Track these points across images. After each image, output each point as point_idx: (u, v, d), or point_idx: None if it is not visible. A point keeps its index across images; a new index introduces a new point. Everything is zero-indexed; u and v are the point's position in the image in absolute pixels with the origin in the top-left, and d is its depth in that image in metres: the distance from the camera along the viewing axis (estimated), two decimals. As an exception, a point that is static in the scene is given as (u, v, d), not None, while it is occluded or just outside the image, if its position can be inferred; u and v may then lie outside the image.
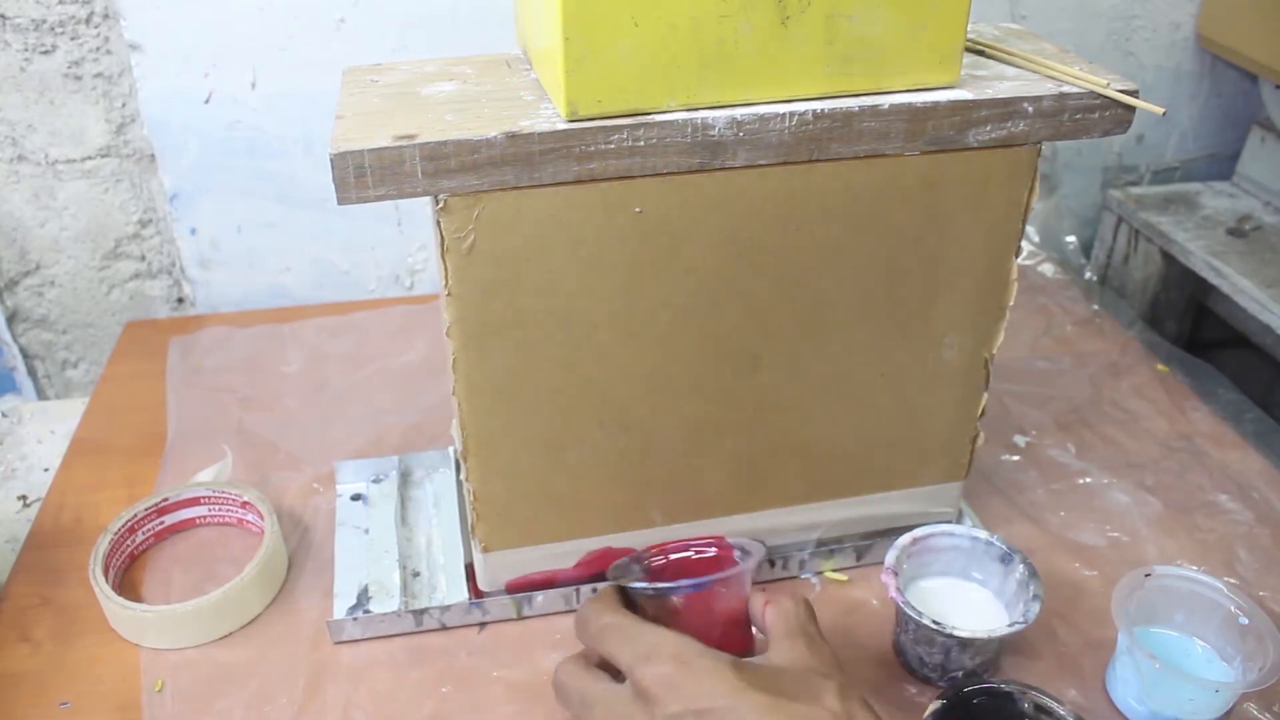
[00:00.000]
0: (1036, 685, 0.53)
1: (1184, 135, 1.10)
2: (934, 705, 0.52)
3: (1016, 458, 0.78)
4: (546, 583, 0.63)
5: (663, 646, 0.46)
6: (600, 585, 0.61)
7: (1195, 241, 0.95)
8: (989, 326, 0.60)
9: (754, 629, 0.54)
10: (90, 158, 0.91)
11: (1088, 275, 1.08)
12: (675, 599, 0.53)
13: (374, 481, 0.73)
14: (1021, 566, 0.59)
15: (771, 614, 0.51)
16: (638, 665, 0.46)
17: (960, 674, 0.58)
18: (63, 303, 0.97)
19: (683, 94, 0.48)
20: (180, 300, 1.00)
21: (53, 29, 0.84)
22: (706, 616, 0.53)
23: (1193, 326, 1.05)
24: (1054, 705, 0.52)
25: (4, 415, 0.88)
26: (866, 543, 0.67)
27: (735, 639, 0.54)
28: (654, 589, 0.53)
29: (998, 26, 0.61)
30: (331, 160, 0.46)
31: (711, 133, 0.49)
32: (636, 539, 0.63)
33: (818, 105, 0.50)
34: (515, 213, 0.50)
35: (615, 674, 0.50)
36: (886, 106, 0.50)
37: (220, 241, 0.95)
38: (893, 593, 0.57)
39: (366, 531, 0.69)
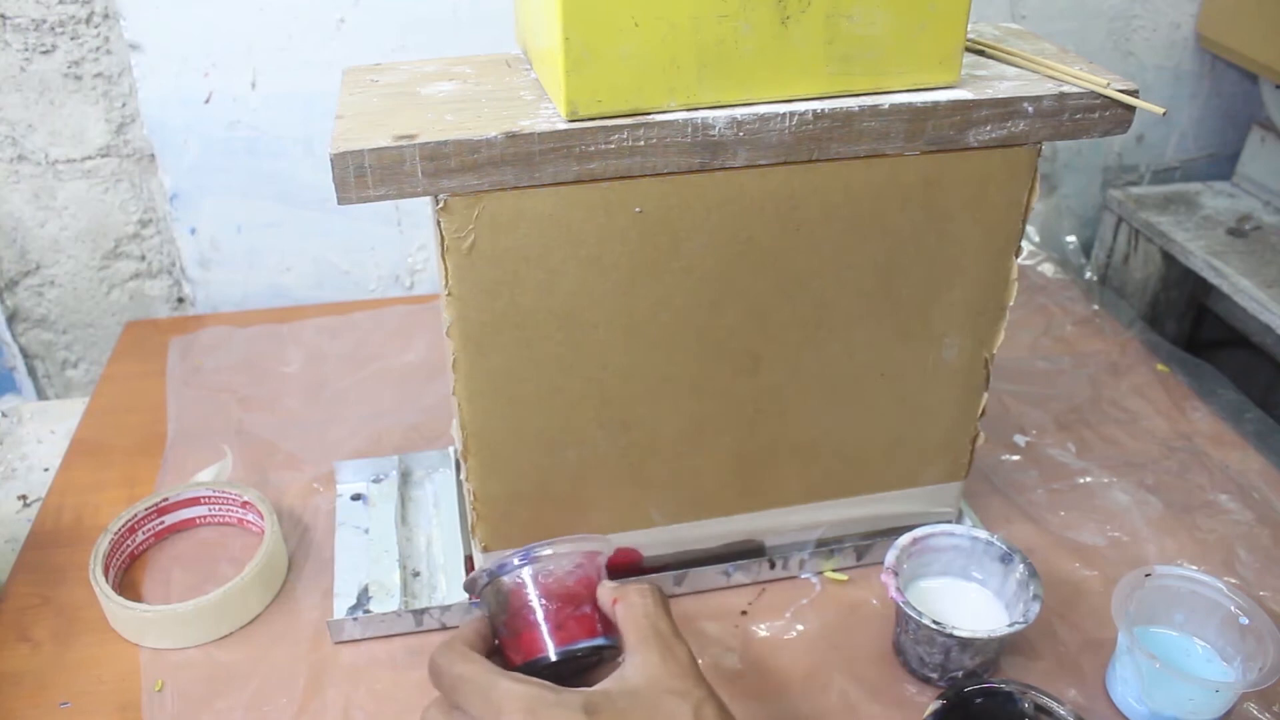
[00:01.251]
0: (1036, 685, 0.53)
1: (1184, 135, 1.10)
2: (934, 705, 0.52)
3: (1016, 457, 0.78)
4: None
5: (513, 698, 0.44)
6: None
7: (1195, 241, 0.95)
8: (989, 326, 0.60)
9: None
10: (90, 158, 0.91)
11: (1088, 275, 1.08)
12: (508, 579, 0.51)
13: (374, 481, 0.73)
14: (1021, 566, 0.59)
15: (622, 612, 0.49)
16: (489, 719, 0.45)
17: (960, 674, 0.58)
18: (63, 303, 0.97)
19: (683, 94, 0.48)
20: (180, 300, 1.00)
21: (53, 29, 0.84)
22: (546, 597, 0.51)
23: (1193, 326, 1.05)
24: (1054, 705, 0.52)
25: (4, 415, 0.89)
26: (866, 543, 0.67)
27: (581, 623, 0.51)
28: (488, 573, 0.51)
29: (998, 26, 0.61)
30: (331, 160, 0.46)
31: (711, 133, 0.49)
32: (636, 539, 0.63)
33: (818, 105, 0.50)
34: (515, 213, 0.50)
35: None
36: (886, 106, 0.50)
37: (220, 241, 0.95)
38: (893, 593, 0.57)
39: (366, 531, 0.69)
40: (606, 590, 0.51)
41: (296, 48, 0.87)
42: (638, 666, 0.47)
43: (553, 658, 0.50)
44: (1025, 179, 0.55)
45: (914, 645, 0.59)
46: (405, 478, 0.74)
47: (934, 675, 0.59)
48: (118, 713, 0.58)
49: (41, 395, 1.01)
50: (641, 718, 0.44)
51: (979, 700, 0.53)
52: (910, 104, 0.50)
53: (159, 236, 0.96)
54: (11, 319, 0.96)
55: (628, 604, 0.50)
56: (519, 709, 0.44)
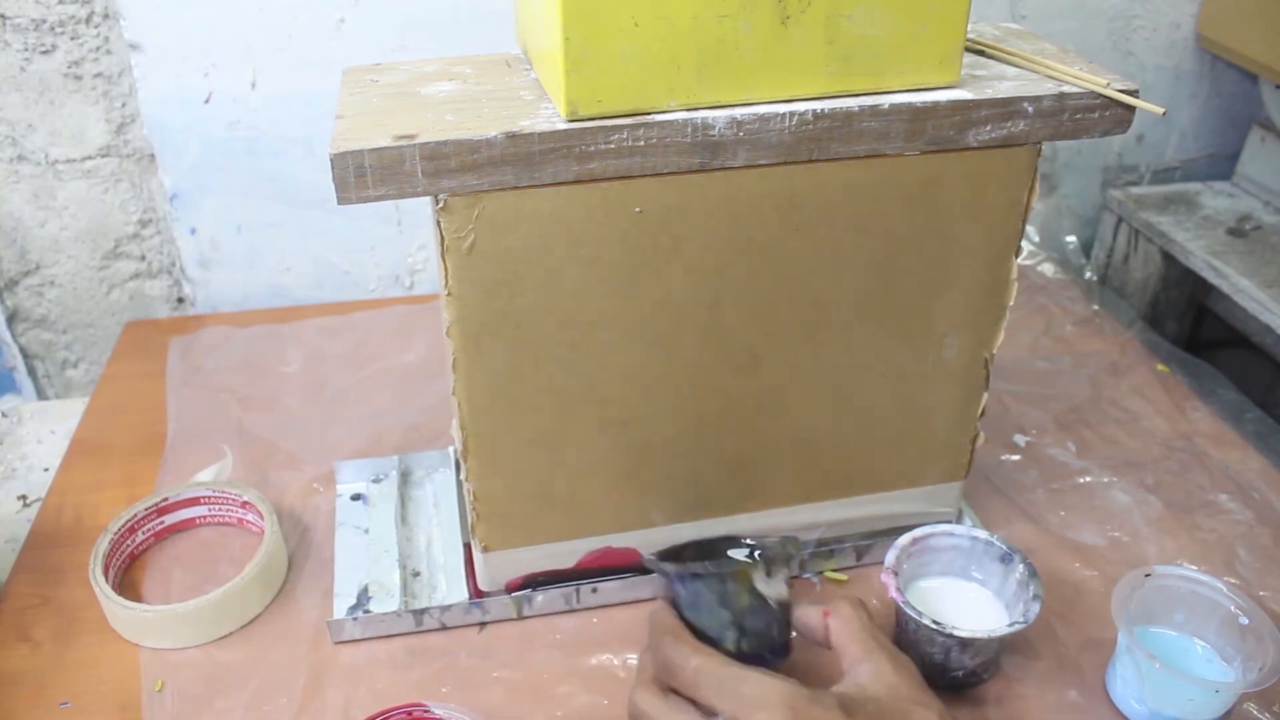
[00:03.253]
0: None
1: (1184, 135, 1.10)
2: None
3: (1016, 457, 0.78)
4: (547, 582, 0.63)
5: (771, 694, 0.45)
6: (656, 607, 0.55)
7: (1195, 241, 0.95)
8: (989, 326, 0.60)
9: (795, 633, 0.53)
10: (90, 158, 0.91)
11: (1088, 275, 1.08)
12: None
13: (374, 481, 0.73)
14: (1021, 566, 0.59)
15: (837, 624, 0.50)
16: (747, 715, 0.44)
17: (960, 674, 0.58)
18: (63, 303, 0.97)
19: (683, 94, 0.48)
20: (180, 300, 1.00)
21: (53, 29, 0.84)
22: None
23: (1193, 326, 1.05)
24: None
25: (4, 415, 0.88)
26: (866, 543, 0.67)
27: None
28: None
29: (998, 26, 0.61)
30: (331, 160, 0.46)
31: (711, 133, 0.49)
32: (636, 539, 0.63)
33: (818, 105, 0.50)
34: (515, 213, 0.50)
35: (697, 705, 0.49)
36: (886, 106, 0.50)
37: (220, 241, 0.95)
38: (893, 593, 0.57)
39: (366, 531, 0.69)
40: (813, 607, 0.52)
41: (296, 48, 0.87)
42: (872, 675, 0.47)
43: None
44: (1025, 179, 0.55)
45: (914, 645, 0.58)
46: (405, 478, 0.74)
47: (934, 675, 0.59)
48: (118, 713, 0.58)
49: (41, 395, 1.01)
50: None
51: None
52: (910, 104, 0.50)
53: (159, 236, 0.96)
54: (11, 319, 0.96)
55: (842, 616, 0.50)
56: (781, 703, 0.44)
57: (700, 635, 0.51)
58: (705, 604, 0.51)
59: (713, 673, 0.47)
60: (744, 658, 0.50)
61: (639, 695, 0.49)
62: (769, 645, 0.52)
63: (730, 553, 0.56)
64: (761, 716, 0.44)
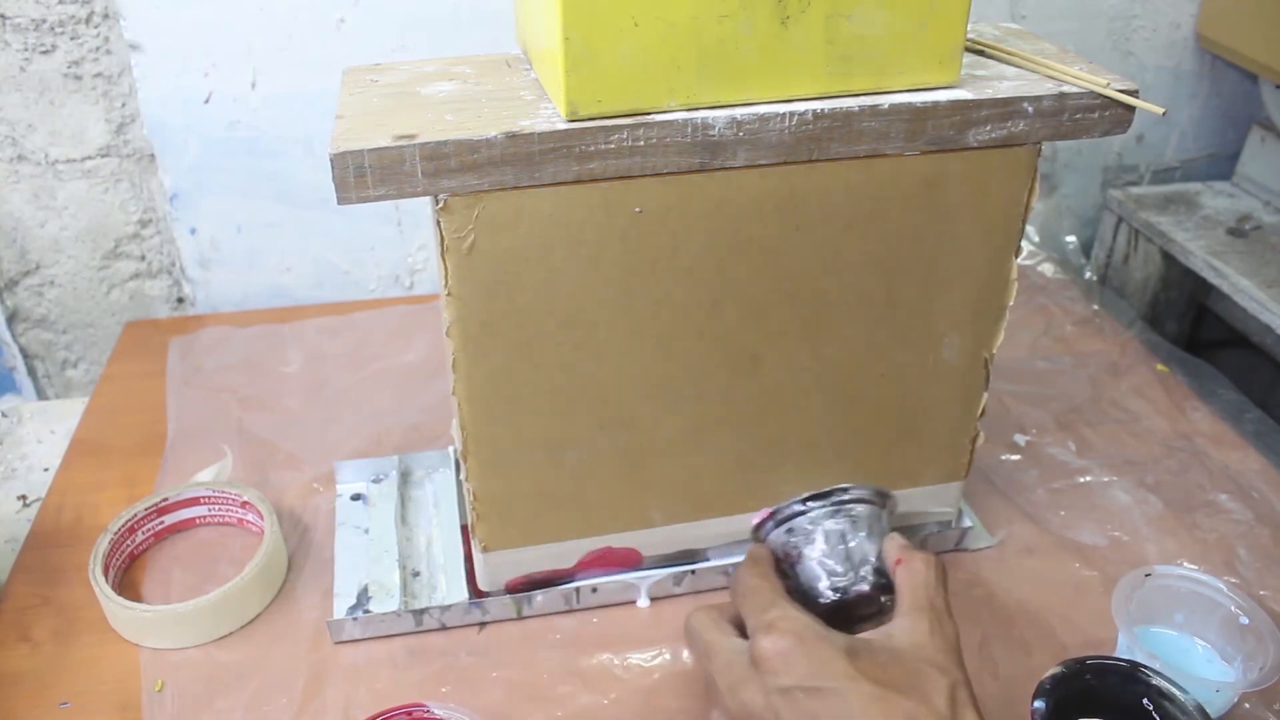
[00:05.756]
0: (1153, 668, 0.52)
1: (1184, 135, 1.10)
2: (1052, 671, 0.51)
3: (1017, 457, 0.78)
4: (547, 581, 0.63)
5: (787, 620, 0.47)
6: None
7: (1195, 241, 0.95)
8: (989, 326, 0.60)
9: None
10: (90, 158, 0.91)
11: (1088, 275, 1.08)
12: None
13: (374, 481, 0.73)
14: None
15: (902, 575, 0.51)
16: (760, 633, 0.47)
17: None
18: (63, 303, 0.97)
19: (683, 94, 0.48)
20: (180, 300, 1.00)
21: (53, 29, 0.84)
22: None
23: (1193, 326, 1.05)
24: (1176, 692, 0.51)
25: (4, 415, 0.88)
26: (866, 543, 0.67)
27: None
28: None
29: (998, 26, 0.61)
30: (331, 160, 0.46)
31: (711, 132, 0.49)
32: (636, 539, 0.63)
33: (818, 105, 0.50)
34: (515, 213, 0.50)
35: (744, 632, 0.51)
36: (886, 106, 0.50)
37: (220, 241, 0.95)
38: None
39: (366, 531, 0.69)
40: (893, 546, 0.53)
41: (296, 48, 0.87)
42: (905, 630, 0.48)
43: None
44: (1025, 179, 0.55)
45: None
46: (405, 478, 0.74)
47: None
48: (118, 713, 0.58)
49: (41, 395, 1.01)
50: (898, 677, 0.45)
51: (1089, 677, 0.52)
52: (910, 104, 0.50)
53: (159, 236, 0.96)
54: (11, 319, 0.96)
55: (910, 568, 0.51)
56: (790, 630, 0.46)
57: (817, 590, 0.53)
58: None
59: (759, 591, 0.50)
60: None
61: (694, 613, 0.52)
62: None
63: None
64: (769, 639, 0.46)
